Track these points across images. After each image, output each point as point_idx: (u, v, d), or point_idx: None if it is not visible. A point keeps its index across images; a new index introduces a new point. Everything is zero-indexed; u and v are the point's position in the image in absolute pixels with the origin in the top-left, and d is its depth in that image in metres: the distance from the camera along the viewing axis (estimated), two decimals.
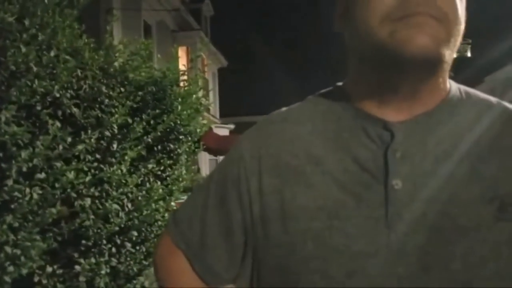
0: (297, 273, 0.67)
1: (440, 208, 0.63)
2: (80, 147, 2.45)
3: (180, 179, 3.55)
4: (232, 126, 17.58)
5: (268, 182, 0.72)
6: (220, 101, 20.60)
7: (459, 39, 0.66)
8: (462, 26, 0.66)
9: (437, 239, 0.62)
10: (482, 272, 0.61)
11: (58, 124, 2.28)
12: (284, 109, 0.81)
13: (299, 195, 0.69)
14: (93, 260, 2.65)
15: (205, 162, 11.85)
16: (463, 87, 0.75)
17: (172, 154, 3.49)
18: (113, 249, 2.84)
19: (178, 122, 3.53)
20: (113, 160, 2.78)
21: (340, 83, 0.78)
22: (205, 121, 4.31)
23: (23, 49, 1.86)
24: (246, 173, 0.74)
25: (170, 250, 0.81)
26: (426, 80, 0.67)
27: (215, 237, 0.77)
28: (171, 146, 3.47)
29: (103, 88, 2.75)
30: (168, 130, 3.40)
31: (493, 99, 0.74)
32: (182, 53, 10.26)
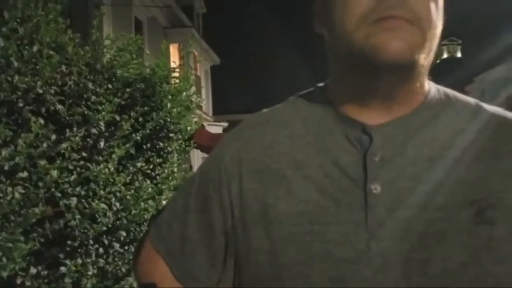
0: (279, 279, 0.66)
1: (419, 212, 0.63)
2: (64, 145, 2.38)
3: (170, 177, 3.48)
4: (225, 124, 17.49)
5: (249, 187, 0.71)
6: (213, 99, 20.54)
7: (435, 43, 0.67)
8: (437, 30, 0.67)
9: (416, 244, 0.62)
10: (461, 276, 0.61)
11: (41, 121, 2.21)
12: (265, 110, 0.80)
13: (280, 200, 0.68)
14: (79, 260, 2.58)
15: (198, 160, 11.79)
16: (442, 89, 0.75)
17: (162, 152, 3.43)
18: (101, 250, 2.77)
19: (168, 119, 3.48)
20: (100, 158, 2.71)
21: (321, 84, 0.77)
22: (196, 119, 4.26)
23: (2, 43, 1.79)
24: (227, 177, 0.73)
25: (151, 255, 0.80)
26: (402, 84, 0.67)
27: (196, 242, 0.76)
28: (161, 144, 3.41)
29: (90, 85, 2.69)
30: (157, 128, 3.34)
31: (472, 101, 0.73)
32: (173, 50, 10.19)
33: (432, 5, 0.64)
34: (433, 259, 0.61)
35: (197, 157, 11.87)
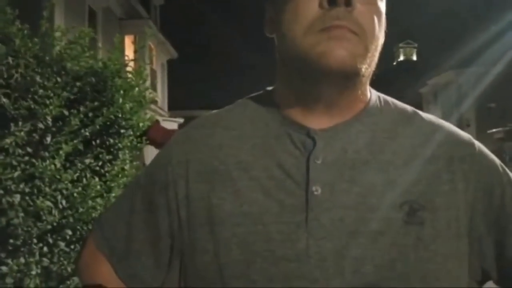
0: (221, 278, 0.68)
1: (355, 213, 0.66)
2: (8, 140, 2.29)
3: (120, 175, 3.41)
4: (181, 120, 17.29)
5: (195, 188, 0.72)
6: (169, 94, 20.25)
7: (377, 54, 0.71)
8: (379, 42, 0.71)
9: (352, 243, 0.65)
10: (390, 273, 0.64)
11: None
12: (214, 112, 0.81)
13: (226, 201, 0.70)
14: (22, 260, 2.50)
15: (152, 157, 11.62)
16: (383, 97, 0.78)
17: (112, 149, 3.35)
18: (45, 249, 2.68)
19: (120, 115, 3.39)
20: (46, 154, 2.62)
21: (270, 88, 0.79)
22: (148, 115, 4.18)
23: None
24: (174, 178, 0.74)
25: (95, 255, 0.80)
26: (345, 91, 0.70)
27: (141, 243, 0.76)
28: (111, 140, 3.33)
29: (37, 78, 2.59)
30: (108, 123, 3.26)
31: (409, 108, 0.78)
32: (129, 42, 9.96)
33: (375, 19, 0.69)
34: (366, 257, 0.65)
35: (151, 154, 11.68)
